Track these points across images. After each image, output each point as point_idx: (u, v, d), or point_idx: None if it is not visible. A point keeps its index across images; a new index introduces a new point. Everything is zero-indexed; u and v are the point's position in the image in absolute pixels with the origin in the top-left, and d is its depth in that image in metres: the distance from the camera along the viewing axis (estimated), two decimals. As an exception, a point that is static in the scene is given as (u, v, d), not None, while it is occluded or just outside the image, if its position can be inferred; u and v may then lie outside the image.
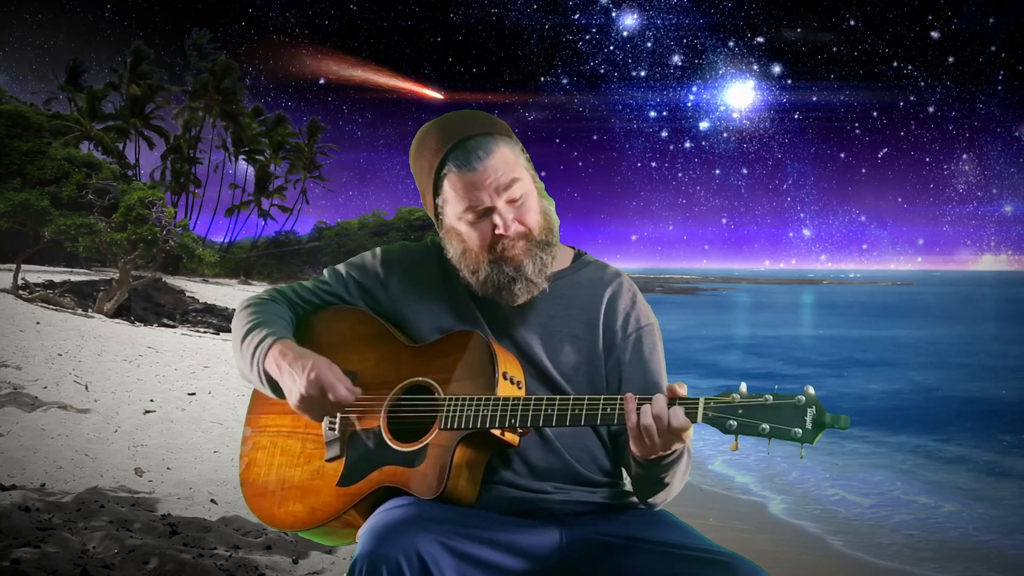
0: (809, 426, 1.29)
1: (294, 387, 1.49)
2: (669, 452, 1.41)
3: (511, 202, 1.52)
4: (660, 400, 1.36)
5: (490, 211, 1.51)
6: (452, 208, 1.53)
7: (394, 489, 1.48)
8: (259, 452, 1.64)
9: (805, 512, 7.11)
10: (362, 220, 48.03)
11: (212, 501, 4.23)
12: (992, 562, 6.05)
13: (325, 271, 1.70)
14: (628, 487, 1.62)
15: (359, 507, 1.51)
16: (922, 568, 5.87)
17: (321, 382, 1.48)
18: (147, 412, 6.63)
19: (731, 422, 1.32)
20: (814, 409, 1.29)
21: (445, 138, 1.51)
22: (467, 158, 1.49)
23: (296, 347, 1.53)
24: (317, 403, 1.49)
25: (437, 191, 1.54)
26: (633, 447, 1.40)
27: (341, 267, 1.70)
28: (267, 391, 1.57)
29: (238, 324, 1.61)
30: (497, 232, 1.51)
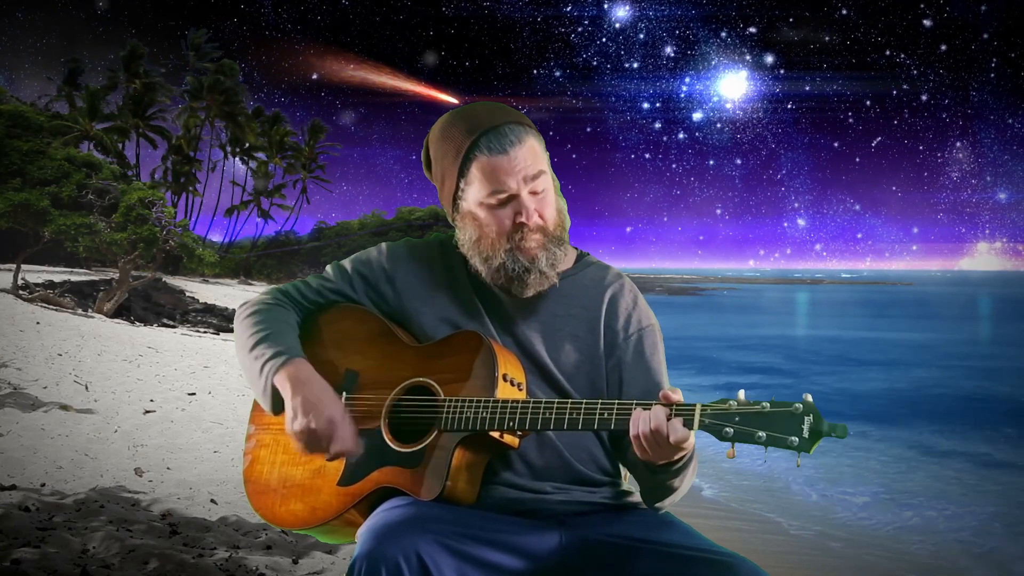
0: (806, 435, 1.28)
1: (302, 417, 1.49)
2: (678, 459, 1.42)
3: (534, 193, 1.54)
4: (659, 413, 1.36)
5: (513, 199, 1.52)
6: (475, 192, 1.54)
7: (394, 490, 1.48)
8: (262, 450, 1.64)
9: (804, 511, 7.11)
10: (362, 220, 48.04)
11: (212, 501, 4.23)
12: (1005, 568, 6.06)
13: (329, 267, 1.70)
14: (628, 487, 1.62)
15: (359, 507, 1.51)
16: (922, 568, 5.87)
17: (332, 427, 1.49)
18: (147, 412, 6.63)
19: (727, 429, 1.31)
20: (811, 417, 1.28)
21: (478, 122, 1.53)
22: (500, 143, 1.51)
23: (313, 375, 1.53)
24: (317, 441, 1.50)
25: (462, 173, 1.54)
26: (638, 453, 1.40)
27: (346, 263, 1.70)
28: (266, 404, 1.56)
29: (244, 331, 1.60)
30: (519, 220, 1.52)
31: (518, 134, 1.52)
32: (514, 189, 1.52)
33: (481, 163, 1.52)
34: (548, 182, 1.56)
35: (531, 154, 1.53)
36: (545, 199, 1.55)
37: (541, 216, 1.54)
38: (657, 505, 1.54)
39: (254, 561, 3.13)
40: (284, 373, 1.52)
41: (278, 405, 1.55)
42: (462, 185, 1.55)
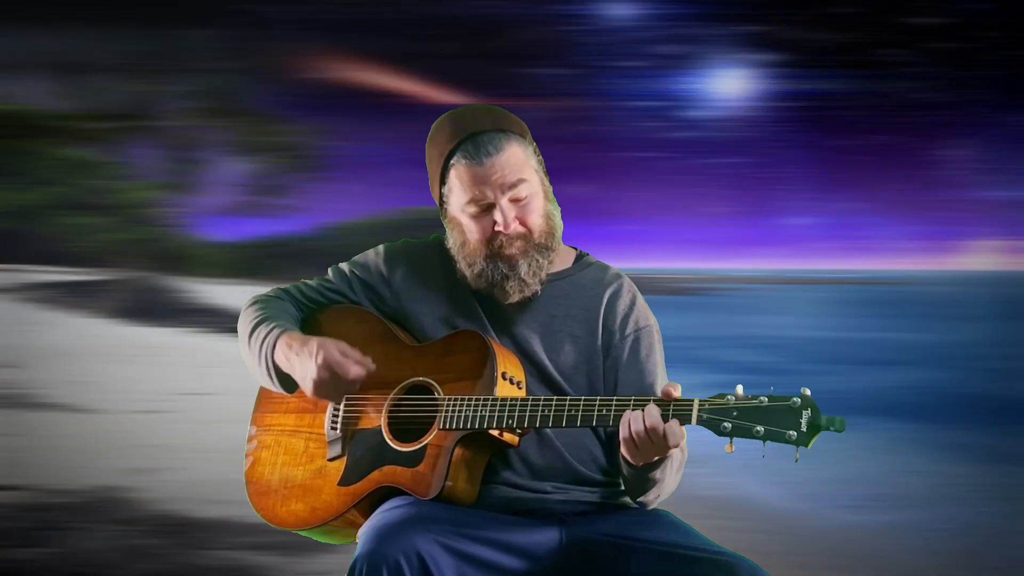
0: (804, 428, 1.28)
1: (306, 375, 1.50)
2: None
3: (514, 201, 1.53)
4: (654, 411, 1.36)
5: (492, 207, 1.52)
6: (456, 199, 1.54)
7: (394, 489, 1.49)
8: (263, 451, 1.66)
9: (802, 510, 7.10)
10: (364, 220, 48.06)
11: (212, 501, 4.24)
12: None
13: (329, 270, 1.71)
14: (626, 486, 1.62)
15: (360, 507, 1.52)
16: (920, 569, 5.86)
17: (330, 364, 1.48)
18: (147, 412, 6.64)
19: (725, 424, 1.32)
20: (809, 411, 1.29)
21: (458, 129, 1.53)
22: (476, 151, 1.50)
23: (300, 335, 1.54)
24: (331, 385, 1.50)
25: (443, 180, 1.55)
26: (625, 454, 1.41)
27: (344, 265, 1.70)
28: (276, 387, 1.58)
29: (244, 322, 1.62)
30: (496, 228, 1.52)
31: (497, 142, 1.51)
32: (490, 198, 1.51)
33: (459, 171, 1.52)
34: (532, 188, 1.55)
35: (510, 162, 1.52)
36: (528, 206, 1.54)
37: (523, 223, 1.54)
38: (643, 500, 1.53)
39: (254, 561, 3.14)
40: (279, 349, 1.53)
41: (285, 381, 1.56)
42: (444, 191, 1.56)
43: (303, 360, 1.50)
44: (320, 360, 1.48)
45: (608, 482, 1.59)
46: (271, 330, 1.55)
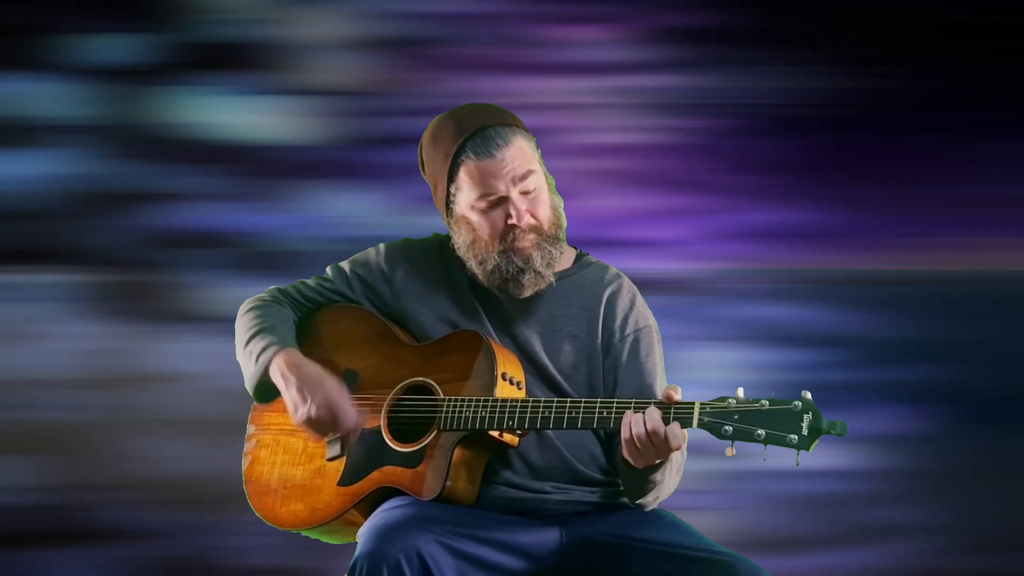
0: (805, 432, 1.28)
1: (303, 406, 1.51)
2: None
3: (525, 193, 1.54)
4: (655, 414, 1.35)
5: (503, 200, 1.53)
6: (465, 196, 1.54)
7: (394, 489, 1.50)
8: (262, 450, 1.67)
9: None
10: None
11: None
12: None
13: (328, 268, 1.71)
14: (626, 487, 1.63)
15: (359, 507, 1.52)
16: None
17: (333, 407, 1.50)
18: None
19: (727, 428, 1.32)
20: (811, 415, 1.29)
21: (464, 126, 1.53)
22: (486, 146, 1.51)
23: (303, 360, 1.55)
24: (325, 425, 1.52)
25: (452, 178, 1.55)
26: (626, 457, 1.41)
27: (344, 264, 1.70)
28: (258, 398, 1.61)
29: (241, 328, 1.63)
30: (510, 222, 1.52)
31: (505, 136, 1.53)
32: (503, 191, 1.52)
33: (468, 167, 1.52)
34: (539, 181, 1.56)
35: (519, 154, 1.53)
36: (537, 198, 1.55)
37: (534, 216, 1.55)
38: (640, 502, 1.53)
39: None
40: (275, 367, 1.54)
41: (265, 394, 1.59)
42: (452, 190, 1.56)
43: (304, 390, 1.51)
44: (321, 399, 1.50)
45: (608, 482, 1.59)
46: (268, 345, 1.56)
